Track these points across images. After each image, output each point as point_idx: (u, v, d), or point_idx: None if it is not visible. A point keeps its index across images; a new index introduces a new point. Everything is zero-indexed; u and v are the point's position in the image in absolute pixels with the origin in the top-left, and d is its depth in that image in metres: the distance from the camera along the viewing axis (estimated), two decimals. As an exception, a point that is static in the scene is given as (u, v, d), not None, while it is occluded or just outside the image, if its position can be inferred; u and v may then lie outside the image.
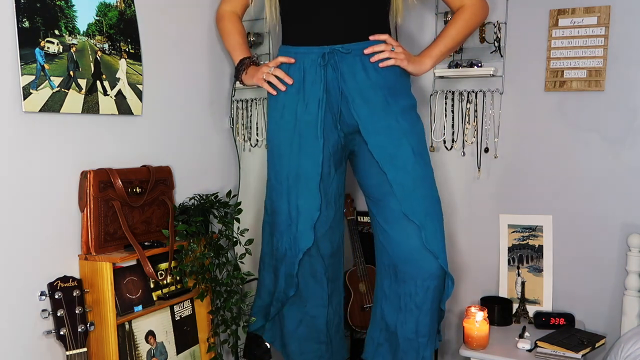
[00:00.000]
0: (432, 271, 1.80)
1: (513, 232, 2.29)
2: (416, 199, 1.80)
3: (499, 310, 2.18)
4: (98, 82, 1.67)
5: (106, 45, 1.71)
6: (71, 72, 1.59)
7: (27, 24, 1.48)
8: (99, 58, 1.68)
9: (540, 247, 2.24)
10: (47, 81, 1.52)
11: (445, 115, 2.32)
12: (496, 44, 2.18)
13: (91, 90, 1.65)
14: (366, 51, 1.79)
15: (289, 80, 1.84)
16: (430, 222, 1.81)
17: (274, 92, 1.87)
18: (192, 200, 2.00)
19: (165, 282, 1.86)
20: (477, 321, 1.98)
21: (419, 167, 1.82)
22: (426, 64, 1.86)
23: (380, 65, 1.80)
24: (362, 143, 1.86)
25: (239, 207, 2.08)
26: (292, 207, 1.89)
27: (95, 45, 1.67)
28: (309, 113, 1.83)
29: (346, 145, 1.91)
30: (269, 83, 1.87)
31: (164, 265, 1.85)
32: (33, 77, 1.49)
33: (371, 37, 1.81)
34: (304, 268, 1.93)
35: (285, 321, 2.01)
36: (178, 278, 1.91)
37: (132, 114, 1.80)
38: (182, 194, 2.02)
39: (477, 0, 1.88)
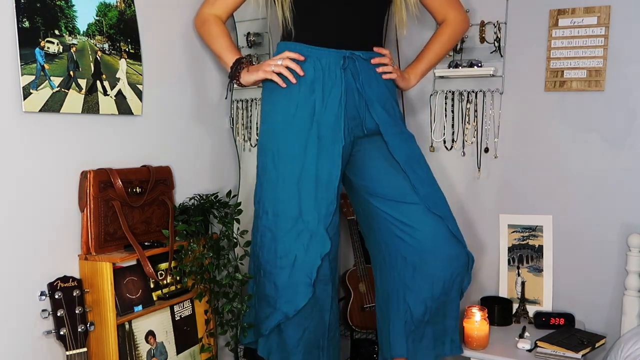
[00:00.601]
0: (460, 258, 1.87)
1: (513, 232, 2.28)
2: (434, 196, 1.89)
3: (499, 310, 2.18)
4: (98, 82, 1.67)
5: (106, 45, 1.71)
6: (71, 72, 1.59)
7: (27, 24, 1.48)
8: (99, 58, 1.68)
9: (540, 247, 2.24)
10: (47, 81, 1.52)
11: (445, 115, 2.32)
12: (496, 44, 2.18)
13: (91, 90, 1.65)
14: (373, 61, 1.87)
15: (301, 72, 1.80)
16: (450, 215, 1.90)
17: (284, 85, 1.81)
18: (192, 200, 2.00)
19: (165, 282, 1.86)
20: (477, 321, 1.98)
21: (428, 169, 1.94)
22: (412, 81, 2.00)
23: (383, 77, 1.89)
24: (379, 145, 1.89)
25: (239, 208, 2.08)
26: (306, 212, 1.83)
27: (95, 45, 1.67)
28: (329, 115, 1.81)
29: (352, 148, 1.91)
30: (279, 76, 1.81)
31: (164, 265, 1.84)
32: (33, 77, 1.49)
33: (376, 49, 1.88)
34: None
35: (289, 331, 1.90)
36: (178, 278, 1.91)
37: (132, 114, 1.79)
38: (182, 194, 2.01)
39: (459, 17, 2.01)
